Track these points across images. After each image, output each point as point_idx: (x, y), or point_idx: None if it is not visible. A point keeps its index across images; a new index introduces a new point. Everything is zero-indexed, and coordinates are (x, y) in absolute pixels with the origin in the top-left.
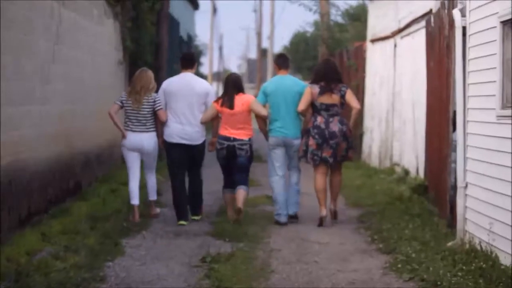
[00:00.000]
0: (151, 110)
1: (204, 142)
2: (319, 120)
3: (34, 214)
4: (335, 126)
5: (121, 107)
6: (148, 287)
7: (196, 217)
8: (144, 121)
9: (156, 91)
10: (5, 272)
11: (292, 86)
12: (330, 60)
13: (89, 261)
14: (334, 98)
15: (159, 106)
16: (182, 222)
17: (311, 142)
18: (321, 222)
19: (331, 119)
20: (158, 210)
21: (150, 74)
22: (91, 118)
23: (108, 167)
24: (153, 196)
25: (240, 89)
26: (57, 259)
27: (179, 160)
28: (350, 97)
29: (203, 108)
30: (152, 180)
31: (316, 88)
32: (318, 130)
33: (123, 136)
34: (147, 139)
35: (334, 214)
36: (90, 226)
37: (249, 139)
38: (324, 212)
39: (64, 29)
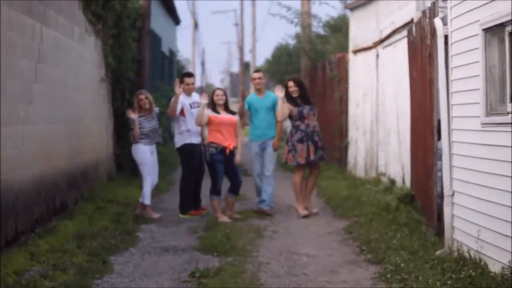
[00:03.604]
0: None
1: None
2: None
3: (21, 233)
4: None
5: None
6: None
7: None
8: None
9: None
10: None
11: None
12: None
13: (77, 280)
14: None
15: None
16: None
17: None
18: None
19: None
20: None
21: None
22: (75, 136)
23: (93, 185)
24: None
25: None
26: (46, 278)
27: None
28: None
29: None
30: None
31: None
32: None
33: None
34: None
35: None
36: (77, 245)
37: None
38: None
39: (45, 48)
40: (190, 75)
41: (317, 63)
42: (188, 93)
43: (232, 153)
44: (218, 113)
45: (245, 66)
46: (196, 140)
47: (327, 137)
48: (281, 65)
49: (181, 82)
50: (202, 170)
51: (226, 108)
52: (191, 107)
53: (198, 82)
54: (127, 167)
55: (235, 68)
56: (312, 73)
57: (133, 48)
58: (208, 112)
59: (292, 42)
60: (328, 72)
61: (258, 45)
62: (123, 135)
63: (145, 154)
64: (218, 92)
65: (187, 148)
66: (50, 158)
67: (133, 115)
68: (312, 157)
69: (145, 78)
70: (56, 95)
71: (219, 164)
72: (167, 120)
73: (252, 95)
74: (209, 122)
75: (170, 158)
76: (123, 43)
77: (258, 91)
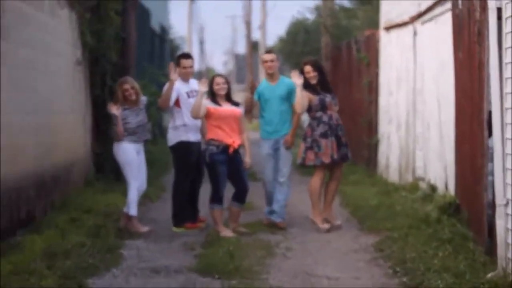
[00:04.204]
0: None
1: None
2: None
3: None
4: None
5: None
6: None
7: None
8: None
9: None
10: None
11: None
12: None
13: None
14: None
15: None
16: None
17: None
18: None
19: None
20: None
21: None
22: (44, 131)
23: (67, 191)
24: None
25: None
26: None
27: None
28: None
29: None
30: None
31: None
32: None
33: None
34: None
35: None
36: (47, 265)
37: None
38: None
39: (8, 23)
40: (188, 56)
41: (341, 42)
42: (185, 78)
43: (237, 152)
44: (219, 104)
45: (254, 45)
46: (194, 137)
47: (352, 132)
48: (298, 44)
49: (177, 65)
50: (200, 173)
51: (229, 98)
52: (188, 96)
53: (196, 66)
54: (108, 169)
55: (241, 48)
56: (335, 54)
57: (116, 23)
58: (207, 103)
59: (310, 16)
60: (354, 53)
61: (269, 20)
62: (103, 129)
63: (131, 154)
64: (219, 79)
65: (183, 147)
66: (13, 158)
67: (115, 110)
68: (336, 155)
69: (131, 60)
70: (21, 80)
71: (221, 166)
72: (157, 112)
73: (262, 82)
74: (208, 116)
75: (162, 158)
76: (104, 17)
77: (270, 76)
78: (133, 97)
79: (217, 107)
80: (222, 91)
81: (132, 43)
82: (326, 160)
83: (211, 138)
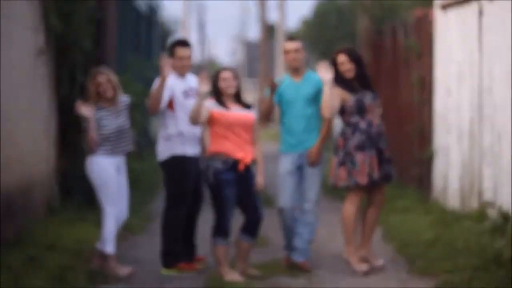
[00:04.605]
0: None
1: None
2: None
3: None
4: None
5: None
6: None
7: None
8: None
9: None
10: None
11: None
12: None
13: None
14: None
15: None
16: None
17: None
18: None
19: None
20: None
21: None
22: None
23: (23, 221)
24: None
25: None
26: None
27: None
28: None
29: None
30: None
31: None
32: None
33: None
34: None
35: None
36: None
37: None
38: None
39: None
40: (185, 44)
41: (383, 26)
42: (181, 73)
43: (248, 170)
44: (226, 107)
45: (269, 30)
46: (192, 149)
47: (399, 143)
48: (327, 28)
49: (171, 55)
50: (199, 198)
51: (238, 99)
52: (185, 97)
53: (195, 57)
54: (78, 192)
55: (254, 33)
56: (376, 41)
57: (91, 2)
58: (210, 106)
59: None
60: (401, 40)
61: None
62: (72, 140)
63: (108, 171)
64: (226, 74)
65: (177, 162)
66: None
67: (86, 110)
68: (376, 175)
69: (109, 49)
70: None
71: (228, 188)
72: (143, 116)
73: (284, 79)
74: (212, 122)
75: (149, 177)
76: None
77: (294, 71)
78: (110, 93)
79: (224, 110)
80: (231, 89)
81: (111, 27)
82: (362, 180)
83: (216, 151)
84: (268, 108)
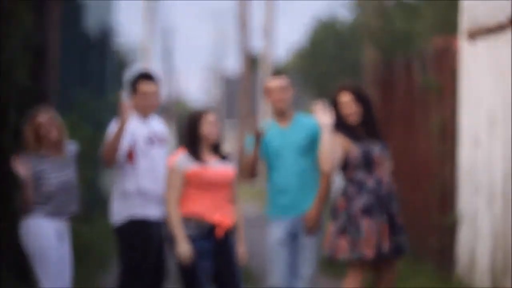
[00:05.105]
0: None
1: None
2: None
3: None
4: None
5: None
6: None
7: None
8: None
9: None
10: None
11: None
12: None
13: None
14: None
15: None
16: None
17: None
18: None
19: None
20: None
21: None
22: None
23: None
24: None
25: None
26: None
27: None
28: None
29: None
30: None
31: None
32: None
33: None
34: None
35: None
36: None
37: None
38: None
39: None
40: (150, 77)
41: (395, 58)
42: (145, 113)
43: (228, 237)
44: (203, 161)
45: (252, 62)
46: (154, 211)
47: (413, 207)
48: (324, 58)
49: (133, 92)
50: (161, 273)
51: (216, 149)
52: (149, 144)
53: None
54: (9, 265)
55: (232, 65)
56: (386, 77)
57: (27, 23)
58: (183, 162)
59: (346, 16)
60: (417, 77)
61: (279, 20)
62: (3, 197)
63: (47, 238)
64: (211, 117)
65: (137, 228)
66: None
67: (21, 169)
68: (386, 246)
69: (51, 83)
70: None
71: (202, 262)
72: (93, 167)
73: (269, 125)
74: (187, 182)
75: (99, 246)
76: (8, 13)
77: (280, 115)
78: (54, 136)
79: (200, 166)
80: (213, 136)
81: (52, 55)
82: (369, 253)
83: (188, 214)
84: (252, 163)
